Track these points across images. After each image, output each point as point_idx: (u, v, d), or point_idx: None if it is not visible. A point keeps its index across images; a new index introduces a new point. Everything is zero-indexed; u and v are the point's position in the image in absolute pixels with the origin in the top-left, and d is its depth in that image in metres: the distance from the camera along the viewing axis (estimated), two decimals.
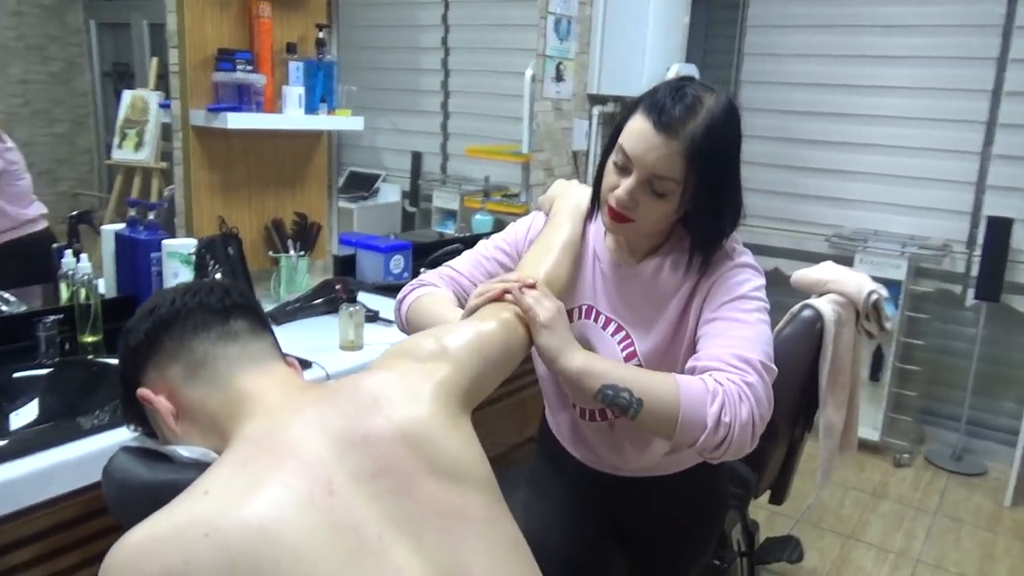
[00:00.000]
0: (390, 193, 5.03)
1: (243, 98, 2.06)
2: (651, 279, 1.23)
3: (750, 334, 1.11)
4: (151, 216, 1.96)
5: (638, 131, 1.10)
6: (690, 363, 1.12)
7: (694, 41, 3.99)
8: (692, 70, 3.62)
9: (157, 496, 0.79)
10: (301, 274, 2.33)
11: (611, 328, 1.25)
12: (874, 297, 2.02)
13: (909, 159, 3.64)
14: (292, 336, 2.06)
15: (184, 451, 0.89)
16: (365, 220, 4.69)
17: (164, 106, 2.08)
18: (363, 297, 2.38)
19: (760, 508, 2.86)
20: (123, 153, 2.28)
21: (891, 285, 3.47)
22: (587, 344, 1.26)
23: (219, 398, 0.90)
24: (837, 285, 2.05)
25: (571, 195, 1.34)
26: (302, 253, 2.32)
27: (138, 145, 2.30)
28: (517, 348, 1.08)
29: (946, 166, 3.55)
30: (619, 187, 1.13)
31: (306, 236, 2.39)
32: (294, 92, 2.15)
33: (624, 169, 1.13)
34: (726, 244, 1.20)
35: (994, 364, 3.58)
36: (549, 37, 3.33)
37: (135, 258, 1.97)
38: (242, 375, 0.91)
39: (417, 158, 5.03)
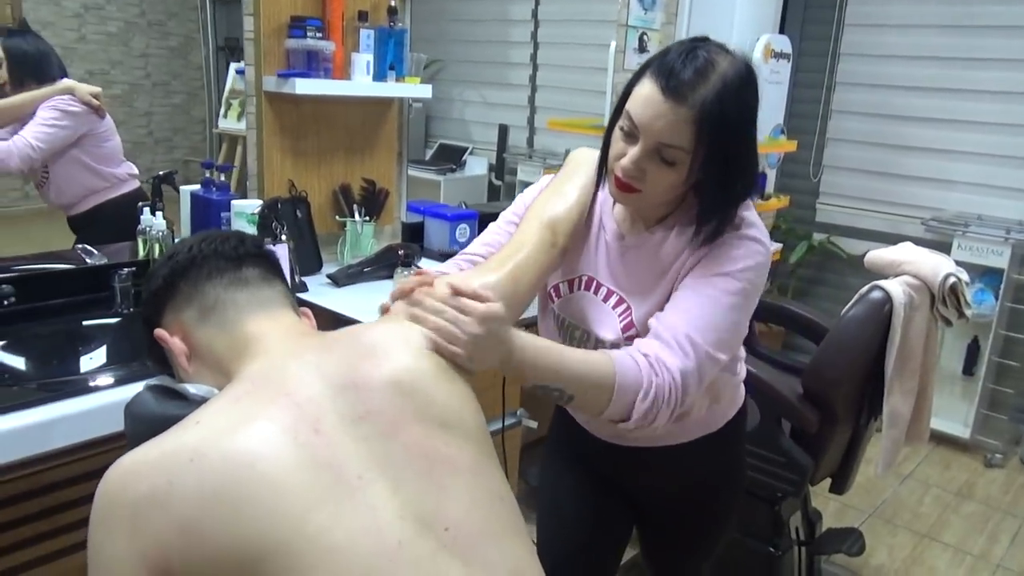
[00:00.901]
0: (477, 166, 5.09)
1: (312, 64, 2.11)
2: (656, 248, 1.20)
3: (714, 317, 1.09)
4: (222, 177, 2.05)
5: (645, 96, 1.05)
6: (653, 320, 1.12)
7: (793, 11, 3.83)
8: (785, 42, 3.47)
9: (164, 429, 0.84)
10: (366, 239, 2.38)
11: (612, 301, 1.23)
12: (951, 281, 1.89)
13: (1017, 138, 3.37)
14: (350, 298, 2.13)
15: (193, 388, 0.93)
16: (451, 192, 4.76)
17: (240, 72, 2.16)
18: (427, 264, 2.42)
19: (830, 499, 2.75)
20: (228, 122, 2.41)
21: (993, 274, 3.27)
22: (585, 317, 1.24)
23: (226, 340, 0.94)
24: (912, 267, 1.93)
25: (587, 150, 1.31)
26: (367, 218, 2.38)
27: (240, 115, 2.41)
28: (520, 300, 1.10)
29: None
30: (625, 156, 1.09)
31: (373, 202, 2.44)
32: (362, 59, 2.19)
33: (631, 136, 1.08)
34: (740, 211, 1.15)
35: None
36: (633, 7, 3.25)
37: (207, 216, 2.08)
38: (249, 319, 0.95)
39: (504, 131, 5.06)
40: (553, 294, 1.30)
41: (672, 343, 1.07)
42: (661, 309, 1.15)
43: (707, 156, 1.06)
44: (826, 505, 2.81)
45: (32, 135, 2.08)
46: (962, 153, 3.52)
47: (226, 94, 2.43)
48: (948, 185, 3.58)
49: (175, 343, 0.96)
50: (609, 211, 1.26)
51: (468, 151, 5.14)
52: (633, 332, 1.19)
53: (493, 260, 1.12)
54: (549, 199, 1.23)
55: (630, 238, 1.22)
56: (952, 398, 3.46)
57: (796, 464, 1.97)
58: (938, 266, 1.92)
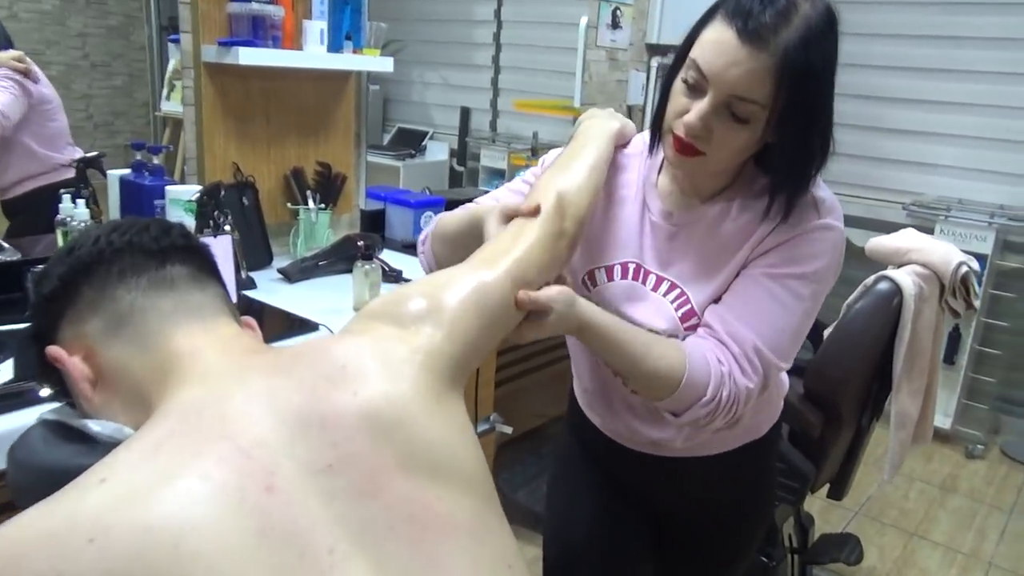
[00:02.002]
0: (438, 151, 4.87)
1: (258, 32, 1.88)
2: (713, 225, 1.03)
3: (786, 326, 0.99)
4: (155, 160, 1.81)
5: (716, 41, 0.89)
6: (713, 314, 1.01)
7: None
8: None
9: (55, 484, 0.62)
10: (322, 228, 2.16)
11: (663, 288, 1.06)
12: (963, 270, 1.75)
13: (999, 119, 3.27)
14: (304, 295, 1.91)
15: (96, 426, 0.71)
16: (411, 178, 4.53)
17: (173, 40, 1.92)
18: (389, 255, 2.20)
19: (815, 498, 2.62)
20: (172, 105, 2.21)
21: (975, 259, 3.16)
22: (630, 308, 1.07)
23: (144, 360, 0.72)
24: (920, 255, 1.78)
25: (598, 115, 1.13)
26: (323, 206, 2.15)
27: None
28: (511, 324, 0.88)
29: None
30: (690, 111, 0.92)
31: (329, 188, 2.22)
32: (315, 27, 1.96)
33: (696, 89, 0.92)
34: (812, 189, 0.99)
35: None
36: None
37: (139, 205, 1.84)
38: (175, 332, 0.73)
39: (466, 114, 4.84)
40: (588, 282, 1.11)
41: (743, 358, 0.97)
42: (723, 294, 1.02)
43: (784, 113, 0.90)
44: (811, 505, 2.68)
45: None
46: (943, 136, 3.41)
47: (169, 75, 2.23)
48: (929, 168, 3.47)
49: (74, 365, 0.73)
50: (653, 188, 1.09)
51: (428, 135, 4.92)
52: (695, 321, 1.03)
53: (486, 252, 0.91)
54: (555, 177, 1.02)
55: (680, 215, 1.05)
56: None
57: (797, 471, 1.82)
58: (949, 254, 1.77)
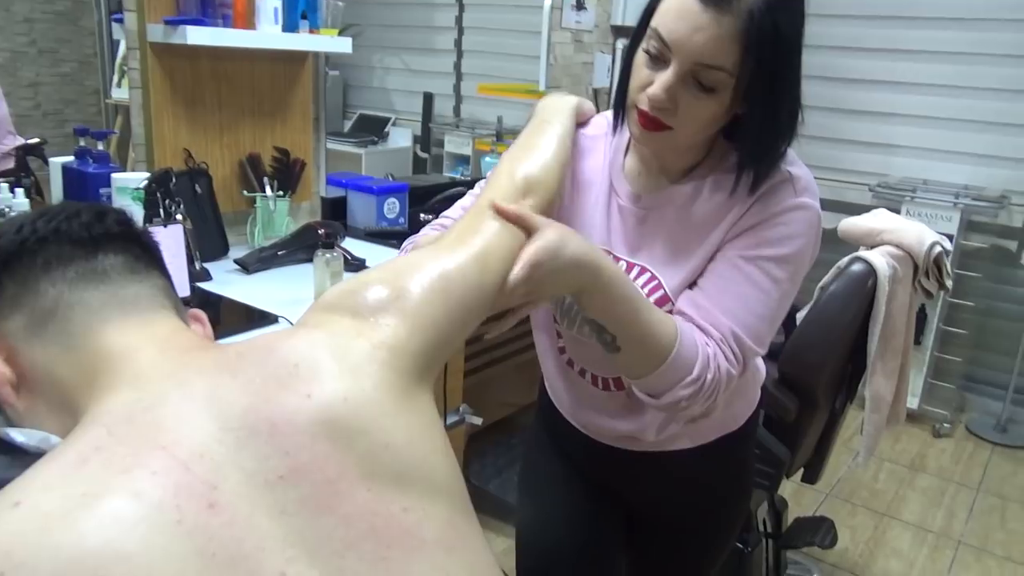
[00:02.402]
0: (400, 138, 4.77)
1: (207, 10, 1.78)
2: (684, 207, 0.98)
3: (763, 311, 0.94)
4: (100, 146, 1.71)
5: (678, 7, 0.84)
6: (688, 300, 0.95)
7: None
8: None
9: None
10: (281, 217, 2.07)
11: (633, 273, 1.00)
12: (937, 250, 1.73)
13: (963, 100, 3.28)
14: (264, 286, 1.83)
15: (20, 436, 0.64)
16: (374, 165, 4.43)
17: (117, 19, 1.81)
18: (352, 244, 2.13)
19: (787, 481, 2.62)
20: (122, 92, 2.10)
21: (947, 239, 3.17)
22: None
23: (70, 360, 0.65)
24: (893, 235, 1.76)
25: (556, 96, 1.07)
26: (280, 193, 2.06)
27: None
28: (490, 291, 0.80)
29: (1006, 108, 3.19)
30: (654, 83, 0.87)
31: (287, 175, 2.13)
32: (269, 5, 1.87)
33: (659, 59, 0.87)
34: (785, 165, 0.94)
35: None
36: None
37: (83, 193, 1.74)
38: (105, 329, 0.65)
39: (429, 100, 4.73)
40: None
41: (723, 343, 0.92)
42: (697, 278, 0.97)
43: (752, 80, 0.85)
44: (783, 488, 2.67)
45: None
46: (907, 116, 3.42)
47: (119, 61, 2.12)
48: (894, 150, 3.48)
49: None
50: (620, 170, 1.03)
51: (391, 122, 4.82)
52: (668, 307, 0.98)
53: (451, 236, 0.84)
54: (518, 156, 0.96)
55: (648, 198, 1.00)
56: None
57: (772, 456, 1.79)
58: (922, 234, 1.75)
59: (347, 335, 0.68)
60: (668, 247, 0.99)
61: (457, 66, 4.64)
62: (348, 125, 4.94)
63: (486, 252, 0.80)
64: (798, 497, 2.77)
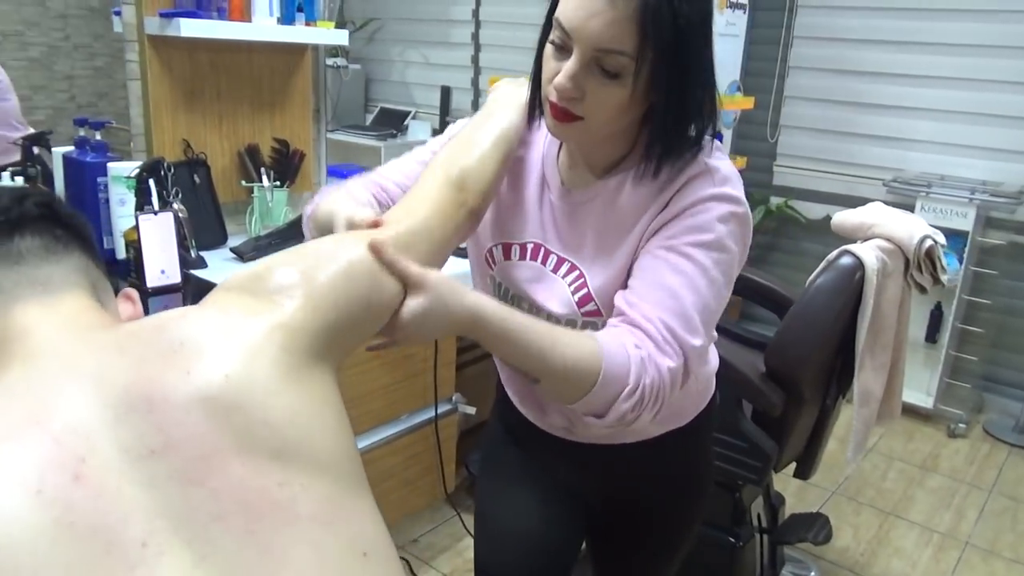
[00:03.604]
0: (420, 131, 4.79)
1: (203, 3, 1.82)
2: (609, 201, 0.98)
3: (696, 300, 0.90)
4: (98, 136, 1.76)
5: None
6: (620, 298, 0.92)
7: None
8: None
9: None
10: (279, 207, 2.11)
11: (563, 269, 1.01)
12: (927, 244, 1.70)
13: (982, 93, 3.21)
14: None
15: None
16: (393, 158, 4.46)
17: (116, 13, 1.86)
18: None
19: (791, 479, 2.59)
20: None
21: (956, 236, 3.12)
22: (531, 289, 1.03)
23: None
24: (883, 229, 1.74)
25: (510, 83, 1.07)
26: (278, 184, 2.10)
27: None
28: (385, 303, 0.79)
29: None
30: (559, 73, 0.87)
31: (286, 166, 2.16)
32: None
33: (563, 49, 0.87)
34: (704, 157, 0.93)
35: None
36: None
37: (82, 182, 1.78)
38: (13, 309, 0.68)
39: (447, 93, 4.77)
40: (489, 259, 1.07)
41: (658, 338, 0.88)
42: (623, 279, 0.95)
43: (656, 62, 0.85)
44: (786, 485, 2.65)
45: None
46: (923, 110, 3.35)
47: None
48: (909, 144, 3.41)
49: None
50: (553, 164, 1.03)
51: (410, 115, 4.86)
52: (592, 306, 0.98)
53: (387, 218, 0.86)
54: (458, 149, 0.97)
55: (578, 192, 1.00)
56: (914, 366, 3.32)
57: (759, 450, 1.78)
58: (912, 228, 1.72)
59: (241, 315, 0.69)
60: (595, 243, 0.99)
61: (475, 59, 4.66)
62: (369, 119, 4.99)
63: (409, 243, 0.82)
64: (802, 494, 2.74)
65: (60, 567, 0.52)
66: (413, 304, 0.80)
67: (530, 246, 1.03)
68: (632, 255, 0.95)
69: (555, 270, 1.01)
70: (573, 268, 1.00)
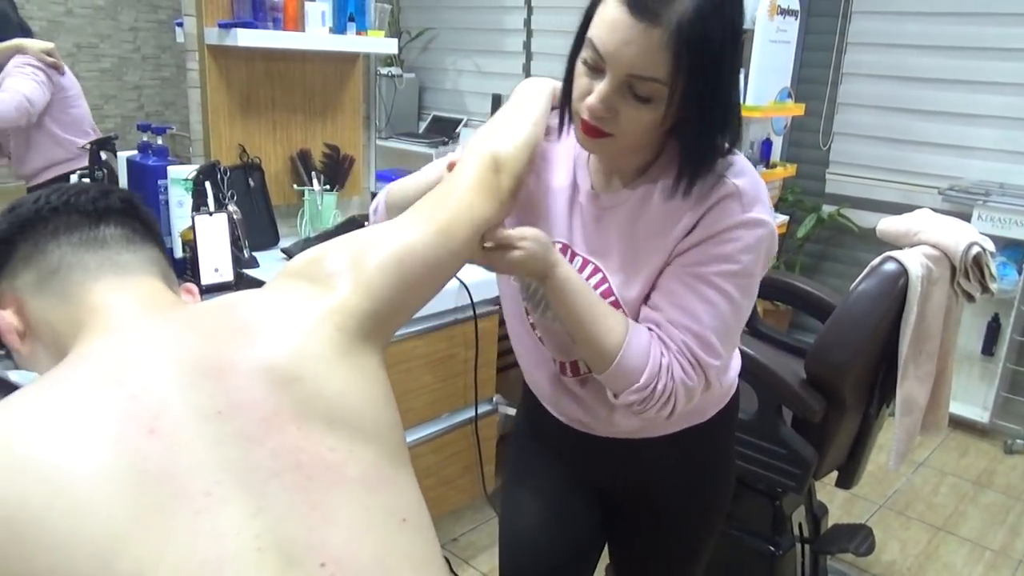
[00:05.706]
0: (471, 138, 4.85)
1: (259, 14, 1.90)
2: (637, 211, 1.00)
3: (719, 324, 0.97)
4: (160, 141, 1.85)
5: (610, 19, 0.86)
6: (645, 314, 1.00)
7: None
8: (793, 1, 3.23)
9: None
10: (328, 210, 2.18)
11: (587, 271, 1.04)
12: (975, 251, 1.67)
13: None
14: None
15: (15, 376, 0.75)
16: None
17: (178, 24, 1.95)
18: None
19: (837, 490, 2.55)
20: None
21: (1015, 246, 3.04)
22: None
23: (65, 313, 0.76)
24: (930, 235, 1.71)
25: (536, 79, 1.10)
26: (328, 187, 2.17)
27: None
28: (455, 255, 0.88)
29: None
30: (592, 93, 0.89)
31: (336, 170, 2.24)
32: (317, 8, 1.98)
33: (596, 70, 0.89)
34: (732, 177, 0.95)
35: None
36: None
37: (144, 184, 1.88)
38: (96, 287, 0.76)
39: (497, 101, 4.82)
40: None
41: (679, 355, 0.97)
42: (649, 284, 0.99)
43: (687, 88, 0.86)
44: (833, 496, 2.61)
45: (20, 88, 2.06)
46: (983, 117, 3.26)
47: None
48: (967, 152, 3.33)
49: (3, 318, 0.78)
50: (584, 166, 1.06)
51: (462, 123, 4.92)
52: (619, 309, 1.01)
53: (422, 208, 0.90)
54: (490, 134, 1.01)
55: (606, 197, 1.03)
56: (970, 380, 3.24)
57: (798, 457, 1.76)
58: (959, 234, 1.69)
59: (300, 298, 0.76)
60: (619, 251, 1.01)
61: (526, 68, 4.71)
62: (423, 127, 5.08)
63: (451, 223, 0.87)
64: (848, 506, 2.70)
65: (132, 506, 0.58)
66: (528, 244, 0.92)
67: (557, 246, 1.06)
68: (658, 269, 0.99)
69: (580, 270, 1.03)
70: (597, 270, 1.02)
